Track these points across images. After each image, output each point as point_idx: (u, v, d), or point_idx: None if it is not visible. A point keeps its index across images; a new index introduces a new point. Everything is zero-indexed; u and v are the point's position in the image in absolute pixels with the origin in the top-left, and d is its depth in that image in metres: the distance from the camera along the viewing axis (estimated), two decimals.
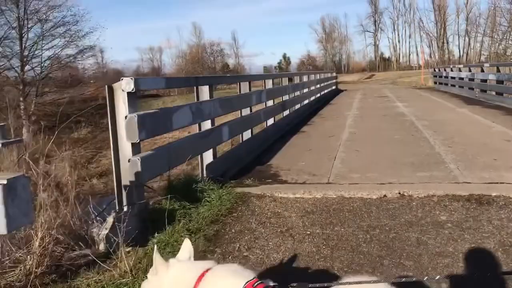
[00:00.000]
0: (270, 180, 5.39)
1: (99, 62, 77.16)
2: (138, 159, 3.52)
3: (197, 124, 5.05)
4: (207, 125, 5.24)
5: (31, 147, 18.66)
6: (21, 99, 24.89)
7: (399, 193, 4.50)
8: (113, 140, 3.58)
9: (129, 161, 3.54)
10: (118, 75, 68.70)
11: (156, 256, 1.67)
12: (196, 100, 5.14)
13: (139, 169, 3.53)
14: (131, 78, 3.43)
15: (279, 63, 75.97)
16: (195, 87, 5.17)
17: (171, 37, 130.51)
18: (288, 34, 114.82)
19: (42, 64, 25.58)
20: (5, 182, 2.30)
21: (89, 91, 28.76)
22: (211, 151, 5.28)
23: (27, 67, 25.11)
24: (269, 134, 8.34)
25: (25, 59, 24.97)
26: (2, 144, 2.30)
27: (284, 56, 75.80)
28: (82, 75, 29.95)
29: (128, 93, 3.45)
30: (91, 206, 4.16)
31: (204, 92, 5.23)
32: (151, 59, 67.40)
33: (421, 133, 8.49)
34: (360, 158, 6.58)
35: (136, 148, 3.59)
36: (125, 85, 3.44)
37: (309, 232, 3.65)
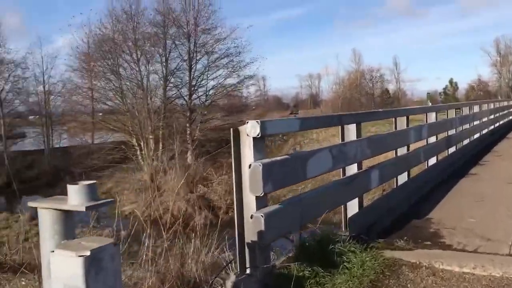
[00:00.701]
0: (428, 243, 4.33)
1: (261, 89, 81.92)
2: (262, 215, 2.96)
3: (340, 169, 4.37)
4: (352, 169, 4.48)
5: (193, 170, 19.67)
6: (188, 125, 27.16)
7: None
8: (237, 191, 3.09)
9: (251, 217, 3.00)
10: (277, 101, 71.97)
11: None
12: (340, 141, 4.45)
13: (263, 227, 2.96)
14: (257, 122, 2.92)
15: (444, 88, 70.30)
16: (339, 127, 4.49)
17: (330, 64, 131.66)
18: (455, 57, 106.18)
19: (207, 93, 27.62)
20: (88, 253, 1.93)
21: (248, 118, 30.06)
22: (355, 200, 4.49)
23: (194, 96, 27.36)
24: (430, 177, 7.10)
25: (192, 88, 27.25)
26: (87, 207, 1.87)
27: (451, 81, 69.82)
28: (243, 102, 31.46)
29: (254, 138, 2.95)
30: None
31: (351, 131, 4.50)
32: (310, 86, 68.69)
33: None
34: None
35: (260, 202, 3.05)
36: (250, 129, 2.94)
37: None
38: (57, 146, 29.61)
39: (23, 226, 16.74)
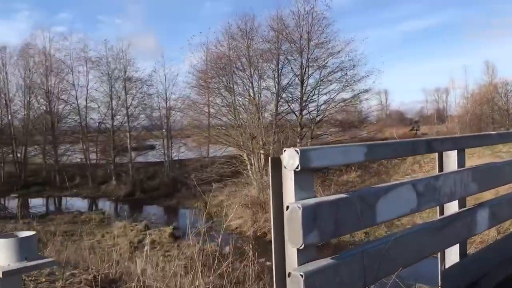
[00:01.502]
0: None
1: (382, 103, 78.65)
2: (301, 274, 2.23)
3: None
4: (450, 208, 3.48)
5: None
6: (298, 140, 26.72)
7: None
8: (276, 239, 2.40)
9: (289, 275, 2.29)
10: (400, 116, 68.34)
11: None
12: (438, 171, 3.48)
13: None
14: (296, 151, 2.22)
15: None
16: (437, 154, 3.53)
17: (458, 77, 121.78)
18: None
19: (318, 108, 26.95)
20: None
21: (360, 134, 28.70)
22: (455, 247, 3.48)
23: (304, 111, 26.89)
24: None
25: (304, 104, 26.81)
26: (4, 273, 1.37)
27: None
28: (359, 118, 30.09)
29: (295, 171, 2.26)
30: None
31: (451, 160, 3.52)
32: (436, 100, 64.05)
33: None
34: None
35: (302, 256, 2.31)
36: (288, 160, 2.24)
37: None
38: (176, 158, 31.28)
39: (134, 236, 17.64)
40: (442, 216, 3.41)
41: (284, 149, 2.34)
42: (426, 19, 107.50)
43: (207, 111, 28.51)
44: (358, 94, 27.28)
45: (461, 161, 3.56)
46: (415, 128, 45.16)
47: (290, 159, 2.26)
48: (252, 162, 25.11)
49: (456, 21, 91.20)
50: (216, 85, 26.50)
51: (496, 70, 59.52)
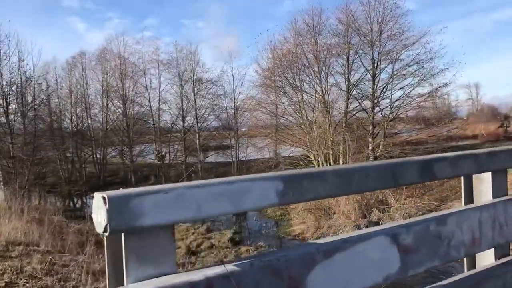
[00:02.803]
0: None
1: (472, 97, 72.85)
2: None
3: None
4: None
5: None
6: (370, 139, 25.01)
7: None
8: None
9: None
10: (493, 111, 62.90)
11: None
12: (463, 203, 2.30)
13: None
14: (104, 198, 1.19)
15: None
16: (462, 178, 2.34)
17: None
18: None
19: (392, 105, 25.01)
20: None
21: (441, 132, 26.26)
22: None
23: (376, 109, 25.10)
24: None
25: (375, 100, 25.02)
26: None
27: None
28: (436, 114, 27.52)
29: (107, 237, 1.30)
30: None
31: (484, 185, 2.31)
32: None
33: None
34: None
35: None
36: (96, 217, 1.24)
37: None
38: (243, 159, 30.85)
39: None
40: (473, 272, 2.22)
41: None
42: None
43: (273, 110, 27.68)
44: (438, 88, 24.90)
45: (498, 187, 2.35)
46: (505, 125, 40.57)
47: (98, 214, 1.28)
48: (319, 163, 23.87)
49: None
50: (280, 83, 25.52)
51: None
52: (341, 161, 24.14)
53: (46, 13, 70.02)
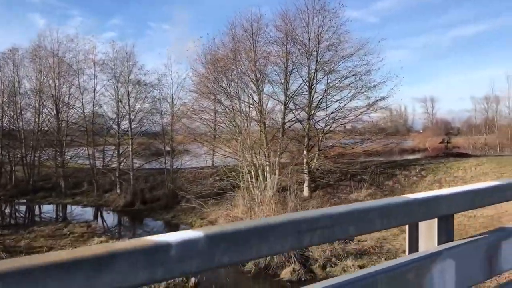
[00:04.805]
0: None
1: (429, 111, 74.08)
2: None
3: None
4: None
5: (292, 206, 16.39)
6: (305, 152, 24.24)
7: None
8: None
9: None
10: (446, 125, 63.72)
11: None
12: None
13: None
14: None
15: None
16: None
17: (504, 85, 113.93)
18: None
19: (327, 117, 24.36)
20: None
21: (374, 147, 25.81)
22: None
23: (312, 121, 24.35)
24: None
25: (312, 112, 24.29)
26: None
27: None
28: (375, 127, 27.02)
29: None
30: None
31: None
32: (486, 109, 59.10)
33: None
34: None
35: None
36: None
37: None
38: (179, 167, 29.36)
39: None
40: None
41: None
42: (475, 25, 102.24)
43: (210, 118, 26.46)
44: (375, 102, 24.44)
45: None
46: (445, 140, 41.01)
47: None
48: (252, 175, 22.81)
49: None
50: (214, 90, 24.33)
51: None
52: (276, 173, 23.21)
53: (6, 7, 65.91)
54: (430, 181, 22.24)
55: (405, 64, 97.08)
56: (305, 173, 23.81)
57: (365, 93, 23.81)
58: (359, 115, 24.82)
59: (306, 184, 23.86)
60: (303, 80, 24.28)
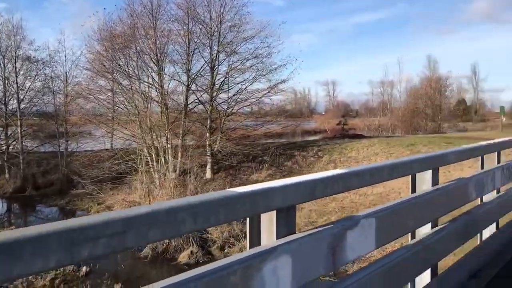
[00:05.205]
0: None
1: (330, 94, 77.49)
2: None
3: None
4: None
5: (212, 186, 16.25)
6: (207, 135, 24.07)
7: None
8: None
9: None
10: (346, 107, 67.41)
11: None
12: None
13: None
14: None
15: None
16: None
17: (404, 71, 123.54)
18: None
19: (229, 99, 24.36)
20: None
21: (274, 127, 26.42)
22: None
23: (215, 102, 24.21)
24: None
25: (214, 94, 24.10)
26: None
27: None
28: (278, 109, 27.56)
29: None
30: None
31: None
32: (382, 93, 63.16)
33: None
34: None
35: None
36: None
37: None
38: (75, 150, 27.68)
39: None
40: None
41: None
42: (376, 13, 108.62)
43: (104, 98, 25.07)
44: (276, 84, 24.88)
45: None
46: (342, 122, 43.44)
47: None
48: (153, 157, 22.17)
49: (407, 15, 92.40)
50: (111, 69, 23.08)
51: (438, 65, 60.07)
52: (179, 156, 22.81)
53: None
54: (325, 162, 23.27)
55: (310, 48, 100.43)
56: (208, 155, 23.69)
57: (266, 75, 24.16)
58: (260, 97, 25.15)
59: (208, 166, 23.77)
60: (205, 61, 23.98)
